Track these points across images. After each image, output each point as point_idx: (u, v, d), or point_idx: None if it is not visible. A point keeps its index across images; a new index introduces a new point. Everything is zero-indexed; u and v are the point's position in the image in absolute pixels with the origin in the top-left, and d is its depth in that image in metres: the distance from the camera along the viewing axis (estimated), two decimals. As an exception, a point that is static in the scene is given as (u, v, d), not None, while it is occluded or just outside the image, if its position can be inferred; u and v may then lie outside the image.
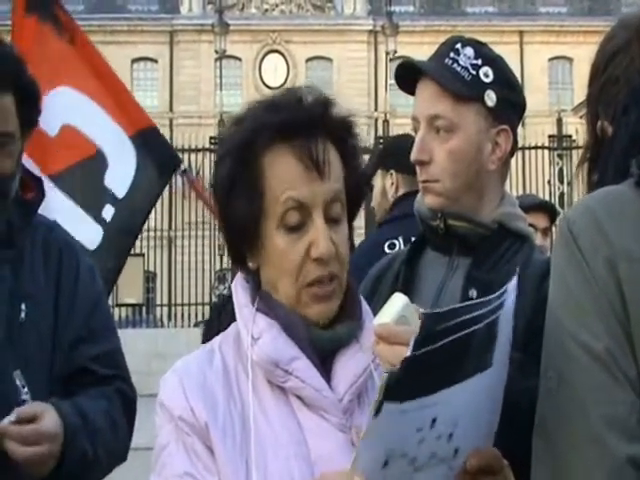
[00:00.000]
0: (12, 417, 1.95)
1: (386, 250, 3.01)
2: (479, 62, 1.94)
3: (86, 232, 3.38)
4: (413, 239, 2.12)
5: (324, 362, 1.45)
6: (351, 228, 1.53)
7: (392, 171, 3.41)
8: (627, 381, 1.17)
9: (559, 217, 3.92)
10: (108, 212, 3.62)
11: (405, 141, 3.42)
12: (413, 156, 1.96)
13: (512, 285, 1.19)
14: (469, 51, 1.94)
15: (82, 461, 2.07)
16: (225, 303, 4.08)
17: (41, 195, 2.33)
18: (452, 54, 1.94)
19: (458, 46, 1.95)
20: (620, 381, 1.17)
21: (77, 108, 3.61)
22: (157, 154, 3.81)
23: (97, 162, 3.60)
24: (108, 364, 2.28)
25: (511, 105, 1.97)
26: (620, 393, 1.17)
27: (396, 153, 3.41)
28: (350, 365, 1.44)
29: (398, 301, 1.37)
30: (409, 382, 1.10)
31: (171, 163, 3.97)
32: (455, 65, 1.93)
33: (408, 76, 1.99)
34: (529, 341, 1.53)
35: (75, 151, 3.59)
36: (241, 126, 1.47)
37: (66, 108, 3.56)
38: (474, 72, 1.93)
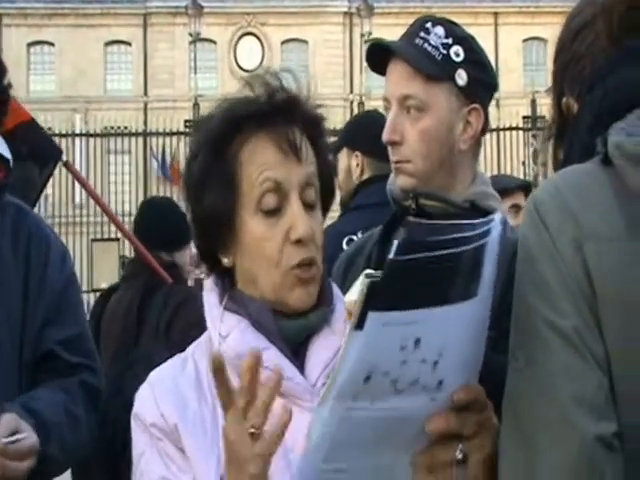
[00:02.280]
0: (7, 436, 1.96)
1: (344, 247, 3.01)
2: (449, 41, 1.94)
3: None
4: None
5: (297, 351, 1.46)
6: (325, 217, 1.54)
7: (357, 152, 3.35)
8: (595, 360, 1.17)
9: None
10: None
11: (371, 121, 3.38)
12: (385, 137, 1.96)
13: (499, 218, 1.20)
14: (439, 30, 1.94)
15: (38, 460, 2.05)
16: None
17: (9, 176, 2.31)
18: (422, 34, 1.94)
19: (428, 25, 1.95)
20: (588, 360, 1.17)
21: None
22: (37, 148, 3.75)
23: None
24: (74, 349, 2.27)
25: (482, 84, 1.97)
26: (588, 372, 1.17)
27: (362, 134, 3.36)
28: (322, 350, 1.45)
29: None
30: (391, 290, 1.10)
31: (52, 155, 3.94)
32: (425, 45, 1.93)
33: (379, 57, 1.98)
34: (500, 318, 1.53)
35: None
36: (214, 119, 1.47)
37: None
38: (445, 51, 1.93)
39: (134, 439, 1.47)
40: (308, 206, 1.46)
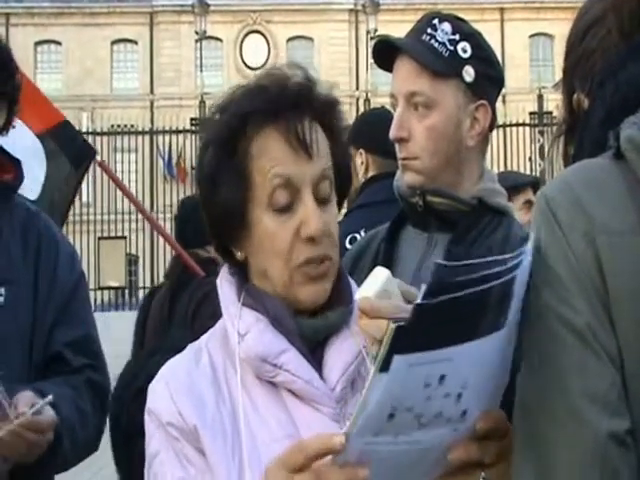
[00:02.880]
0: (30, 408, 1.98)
1: (347, 246, 3.01)
2: (457, 37, 1.93)
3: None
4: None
5: (314, 351, 1.43)
6: (341, 207, 1.51)
7: (362, 150, 3.33)
8: (607, 356, 1.16)
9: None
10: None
11: (376, 119, 3.37)
12: (392, 133, 1.95)
13: (528, 248, 1.17)
14: (446, 26, 1.93)
15: (46, 452, 2.06)
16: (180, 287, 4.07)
17: (20, 177, 2.32)
18: (429, 30, 1.93)
19: (435, 22, 1.94)
20: (601, 356, 1.16)
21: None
22: (70, 148, 3.91)
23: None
24: (81, 351, 2.28)
25: (489, 80, 1.97)
26: (601, 368, 1.16)
27: (367, 131, 3.34)
28: (341, 353, 1.42)
29: (380, 275, 1.35)
30: (418, 333, 1.07)
31: (86, 154, 4.08)
32: (432, 41, 1.92)
33: (386, 53, 1.97)
34: None
35: None
36: (225, 114, 1.45)
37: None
38: (452, 48, 1.92)
39: (148, 435, 1.42)
40: (322, 200, 1.42)
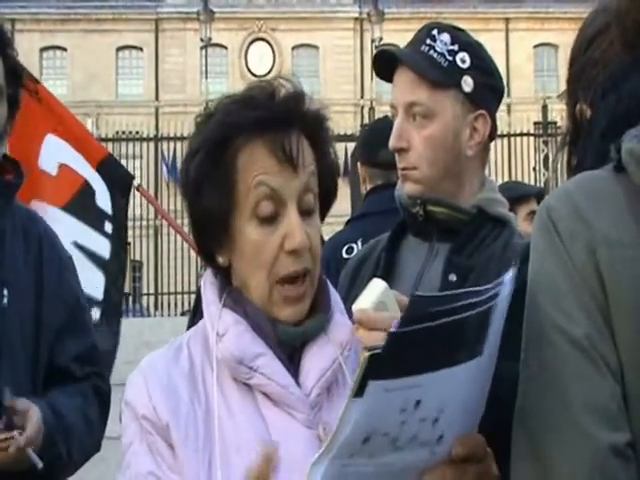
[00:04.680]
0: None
1: (344, 255, 3.02)
2: (455, 48, 1.93)
3: (100, 245, 4.26)
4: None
5: (292, 357, 1.44)
6: (323, 218, 1.52)
7: (359, 164, 3.41)
8: (607, 367, 1.16)
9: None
10: (108, 227, 4.36)
11: (369, 131, 3.46)
12: (391, 143, 1.96)
13: (509, 277, 1.18)
14: (445, 37, 1.94)
15: (56, 462, 2.08)
16: None
17: (20, 178, 2.33)
18: (428, 41, 1.94)
19: (434, 32, 1.95)
20: (600, 367, 1.16)
21: (62, 149, 4.29)
22: (117, 177, 4.45)
23: (88, 189, 4.31)
24: (87, 361, 2.32)
25: (489, 90, 1.97)
26: (601, 380, 1.16)
27: (360, 145, 3.44)
28: (318, 359, 1.44)
29: (377, 287, 1.36)
30: (392, 360, 1.08)
31: (128, 181, 4.56)
32: (431, 52, 1.93)
33: (386, 64, 1.98)
34: (507, 324, 1.53)
35: (73, 183, 4.29)
36: (213, 121, 1.46)
37: (56, 150, 4.25)
38: (451, 58, 1.93)
39: (123, 426, 1.44)
40: (306, 213, 1.44)
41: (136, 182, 4.76)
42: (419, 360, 1.10)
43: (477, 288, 1.14)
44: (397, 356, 1.08)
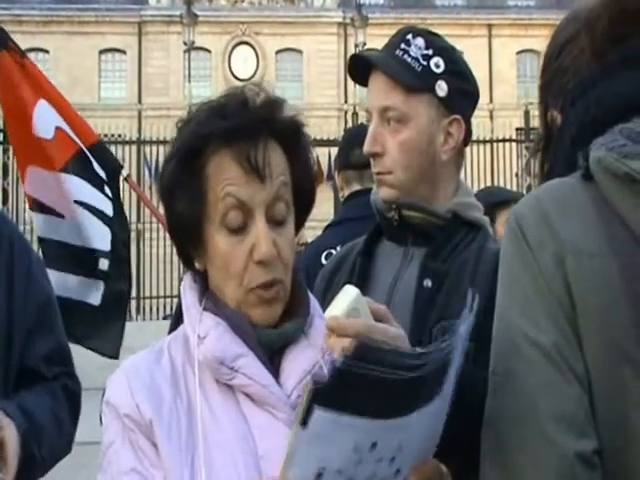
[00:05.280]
0: None
1: (323, 261, 3.04)
2: (430, 52, 1.93)
3: (101, 202, 4.37)
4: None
5: (272, 359, 1.45)
6: (300, 227, 1.53)
7: (335, 172, 3.50)
8: (574, 376, 1.16)
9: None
10: (107, 190, 4.44)
11: (344, 139, 3.52)
12: (365, 148, 1.96)
13: (464, 328, 1.17)
14: (420, 41, 1.94)
15: (30, 464, 2.07)
16: None
17: None
18: (403, 45, 1.94)
19: (409, 37, 1.95)
20: (567, 376, 1.16)
21: (56, 115, 4.35)
22: (106, 163, 4.51)
23: (84, 156, 4.38)
24: (56, 361, 2.30)
25: (463, 95, 1.97)
26: (568, 388, 1.16)
27: (338, 150, 3.49)
28: (298, 361, 1.45)
29: (349, 294, 1.36)
30: (339, 394, 1.07)
31: (117, 169, 4.60)
32: (405, 56, 1.93)
33: (361, 69, 1.98)
34: (482, 331, 1.53)
35: (70, 146, 4.36)
36: (188, 128, 1.47)
37: (51, 114, 4.29)
38: (425, 63, 1.92)
39: (104, 426, 1.45)
40: (277, 222, 1.44)
41: (125, 172, 4.82)
42: (369, 403, 1.09)
43: (434, 347, 1.12)
44: (343, 390, 1.07)
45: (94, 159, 4.43)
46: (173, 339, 1.52)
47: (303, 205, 1.51)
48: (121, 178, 4.62)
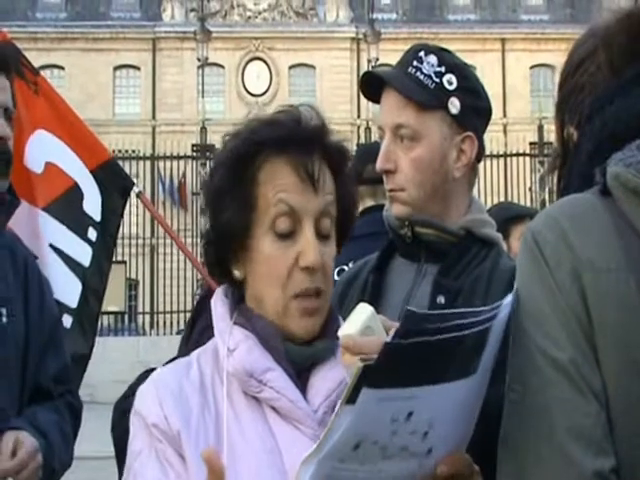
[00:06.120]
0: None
1: (335, 277, 3.04)
2: (442, 69, 1.93)
3: (79, 251, 4.01)
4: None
5: (300, 375, 1.46)
6: (340, 247, 1.54)
7: None
8: (592, 392, 1.16)
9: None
10: (92, 234, 4.14)
11: (358, 151, 3.47)
12: (378, 165, 1.96)
13: (507, 301, 1.19)
14: (432, 59, 1.94)
15: (50, 478, 2.13)
16: (199, 310, 4.10)
17: (16, 197, 2.36)
18: (415, 62, 1.94)
19: (421, 54, 1.95)
20: (585, 393, 1.16)
21: (53, 148, 4.14)
22: (117, 181, 4.30)
23: (75, 192, 4.12)
24: (63, 380, 2.38)
25: (476, 111, 1.97)
26: (585, 405, 1.15)
27: (351, 166, 3.46)
28: (327, 379, 1.45)
29: (363, 312, 1.36)
30: (386, 371, 1.09)
31: (128, 186, 4.42)
32: (418, 73, 1.93)
33: (374, 86, 1.98)
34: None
35: (59, 184, 4.12)
36: (239, 137, 1.49)
37: (46, 148, 4.09)
38: (437, 80, 1.92)
39: (132, 435, 1.45)
40: (322, 236, 1.46)
41: (137, 189, 4.61)
42: (414, 373, 1.11)
43: (476, 309, 1.16)
44: (392, 367, 1.09)
45: (98, 180, 4.21)
46: (202, 351, 1.53)
47: (344, 227, 1.53)
48: (133, 194, 4.46)
